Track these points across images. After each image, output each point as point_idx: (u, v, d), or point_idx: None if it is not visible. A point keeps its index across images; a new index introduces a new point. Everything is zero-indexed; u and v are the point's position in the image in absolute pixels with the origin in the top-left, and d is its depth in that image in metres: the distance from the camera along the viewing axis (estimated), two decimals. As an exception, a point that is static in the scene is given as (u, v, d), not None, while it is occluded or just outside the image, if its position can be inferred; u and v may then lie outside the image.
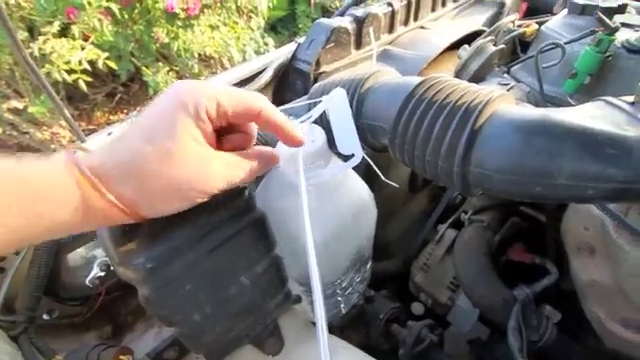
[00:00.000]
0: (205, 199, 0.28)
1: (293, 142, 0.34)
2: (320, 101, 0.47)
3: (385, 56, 0.72)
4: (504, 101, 0.34)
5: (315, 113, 0.48)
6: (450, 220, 0.74)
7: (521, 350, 0.53)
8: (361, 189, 0.54)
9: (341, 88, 0.45)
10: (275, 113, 0.30)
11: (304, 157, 0.46)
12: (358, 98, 0.43)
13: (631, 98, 0.32)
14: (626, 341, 0.52)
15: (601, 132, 0.28)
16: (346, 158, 0.45)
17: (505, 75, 0.61)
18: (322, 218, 0.49)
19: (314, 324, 0.65)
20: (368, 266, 0.67)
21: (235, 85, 0.66)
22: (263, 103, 0.30)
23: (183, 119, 0.26)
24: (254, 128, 0.33)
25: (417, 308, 0.74)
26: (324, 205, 0.48)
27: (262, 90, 0.66)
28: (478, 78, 0.61)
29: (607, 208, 0.42)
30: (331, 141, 0.46)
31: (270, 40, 2.43)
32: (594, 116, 0.31)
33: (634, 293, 0.48)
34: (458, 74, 0.62)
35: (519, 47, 0.74)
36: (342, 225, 0.50)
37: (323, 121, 0.47)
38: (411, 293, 0.76)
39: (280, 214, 0.48)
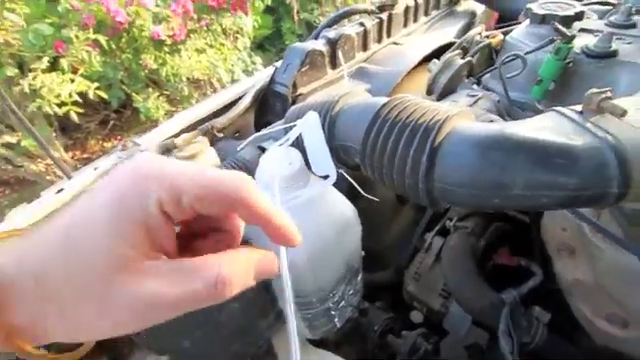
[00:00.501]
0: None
1: (286, 241, 0.23)
2: (295, 125, 0.49)
3: (360, 74, 0.74)
4: (462, 118, 0.35)
5: (291, 137, 0.50)
6: (436, 228, 0.75)
7: (512, 352, 0.54)
8: (343, 205, 0.56)
9: (314, 112, 0.47)
10: (259, 202, 0.21)
11: (282, 180, 0.48)
12: (330, 120, 0.45)
13: (580, 107, 0.34)
14: (613, 337, 0.53)
15: (550, 143, 0.30)
16: (323, 179, 0.47)
17: (474, 86, 0.64)
18: (305, 237, 0.51)
19: (308, 340, 0.66)
20: (359, 278, 0.68)
21: (216, 112, 0.68)
22: (243, 188, 0.21)
23: (115, 226, 0.19)
24: (236, 223, 0.25)
25: (416, 316, 0.75)
26: (306, 224, 0.49)
27: (243, 115, 0.68)
28: (448, 90, 0.63)
29: (579, 212, 0.44)
30: (308, 162, 0.48)
31: (258, 59, 2.47)
32: (545, 127, 0.32)
33: (613, 289, 0.49)
34: (429, 87, 0.64)
35: (495, 56, 0.77)
36: (326, 242, 0.52)
37: (300, 143, 0.49)
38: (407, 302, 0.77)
39: (265, 237, 0.50)
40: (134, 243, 0.19)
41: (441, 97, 0.64)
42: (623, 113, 0.31)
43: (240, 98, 0.69)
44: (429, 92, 0.65)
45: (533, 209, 0.33)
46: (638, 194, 0.30)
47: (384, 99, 0.40)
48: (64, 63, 1.72)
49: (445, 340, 0.72)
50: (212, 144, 0.62)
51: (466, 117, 0.36)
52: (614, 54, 0.54)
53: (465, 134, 0.33)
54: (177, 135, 0.63)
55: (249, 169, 0.52)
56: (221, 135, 0.64)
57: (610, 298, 0.51)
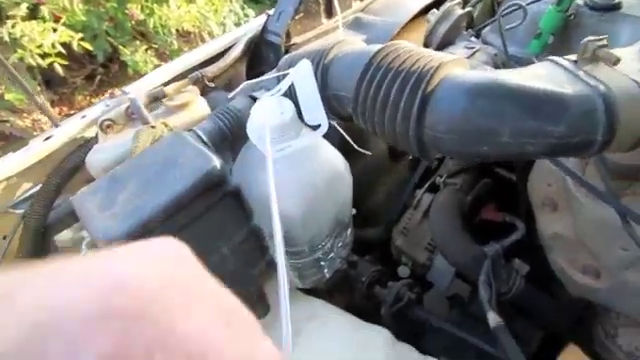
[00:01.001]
0: None
1: None
2: (287, 74, 0.48)
3: (357, 24, 0.72)
4: (456, 65, 0.35)
5: (283, 86, 0.49)
6: (426, 185, 0.76)
7: (490, 301, 0.57)
8: (334, 158, 0.56)
9: (306, 60, 0.46)
10: None
11: (274, 130, 0.48)
12: (322, 69, 0.44)
13: (575, 56, 0.34)
14: (586, 287, 0.56)
15: (540, 91, 0.30)
16: (315, 129, 0.47)
17: (473, 38, 0.62)
18: (297, 187, 0.51)
19: (298, 289, 0.69)
20: (349, 232, 0.70)
21: (207, 62, 0.66)
22: None
23: None
24: None
25: (403, 271, 0.78)
26: (297, 174, 0.50)
27: (234, 65, 0.66)
28: (447, 42, 0.61)
29: (562, 165, 0.44)
30: (300, 112, 0.47)
31: (250, 11, 2.36)
32: (537, 75, 0.32)
33: (590, 243, 0.51)
34: (427, 39, 0.62)
35: (497, 8, 0.74)
36: (316, 192, 0.52)
37: (292, 93, 0.48)
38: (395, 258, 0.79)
39: (258, 186, 0.50)
40: None
41: (439, 49, 0.62)
42: (616, 61, 0.31)
43: (231, 47, 0.67)
44: (426, 44, 0.63)
45: (520, 158, 0.34)
46: (621, 143, 0.30)
47: (378, 46, 0.39)
48: (44, 10, 1.63)
49: (429, 292, 0.76)
50: (203, 94, 0.61)
51: (460, 65, 0.35)
52: (618, 6, 0.53)
53: (457, 81, 0.33)
54: (167, 84, 0.61)
55: (240, 119, 0.51)
56: (212, 85, 0.62)
57: (587, 251, 0.53)
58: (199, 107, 0.58)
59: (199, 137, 0.48)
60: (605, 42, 0.32)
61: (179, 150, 0.40)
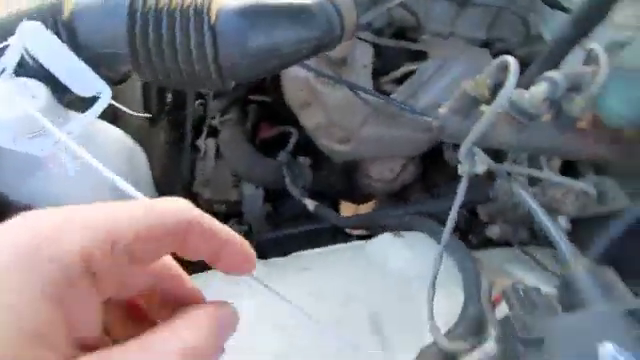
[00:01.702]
0: None
1: (247, 265, 0.18)
2: (7, 45, 0.38)
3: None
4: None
5: (8, 62, 0.38)
6: (205, 132, 0.79)
7: (301, 194, 0.72)
8: (118, 133, 0.50)
9: (31, 21, 0.37)
10: (212, 219, 0.17)
11: (28, 122, 0.38)
12: (66, 28, 0.37)
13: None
14: (343, 153, 0.78)
15: (295, 5, 0.39)
16: (86, 101, 0.40)
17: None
18: (95, 177, 0.44)
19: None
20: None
21: None
22: (192, 207, 0.16)
23: (17, 316, 0.12)
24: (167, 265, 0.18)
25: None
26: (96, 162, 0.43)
27: None
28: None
29: (310, 67, 0.58)
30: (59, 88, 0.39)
31: None
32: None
33: (339, 120, 0.71)
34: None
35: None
36: (120, 175, 0.47)
37: (29, 69, 0.38)
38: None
39: (32, 194, 0.40)
40: (49, 342, 0.12)
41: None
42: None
43: None
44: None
45: (294, 63, 0.42)
46: (347, 37, 0.44)
47: (129, -10, 0.36)
48: None
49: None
50: None
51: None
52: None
53: (232, 8, 0.37)
54: None
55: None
56: None
57: (338, 127, 0.74)
58: None
59: None
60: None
61: None
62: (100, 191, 0.46)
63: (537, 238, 0.58)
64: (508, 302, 0.28)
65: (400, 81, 0.68)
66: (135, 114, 0.55)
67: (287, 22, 0.38)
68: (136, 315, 0.18)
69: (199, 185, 0.79)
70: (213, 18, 0.36)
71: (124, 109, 0.53)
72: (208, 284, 0.27)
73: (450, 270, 0.48)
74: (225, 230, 0.17)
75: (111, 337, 0.16)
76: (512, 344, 0.26)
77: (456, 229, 0.59)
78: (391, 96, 0.66)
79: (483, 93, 0.36)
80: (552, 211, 0.46)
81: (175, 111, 0.86)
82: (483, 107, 0.37)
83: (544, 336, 0.25)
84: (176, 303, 0.17)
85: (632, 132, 0.40)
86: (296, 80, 0.68)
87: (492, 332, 0.34)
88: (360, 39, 0.65)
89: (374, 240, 0.58)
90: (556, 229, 0.31)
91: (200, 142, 0.79)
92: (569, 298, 0.27)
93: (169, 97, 0.85)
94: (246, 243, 0.17)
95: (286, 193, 0.74)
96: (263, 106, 0.84)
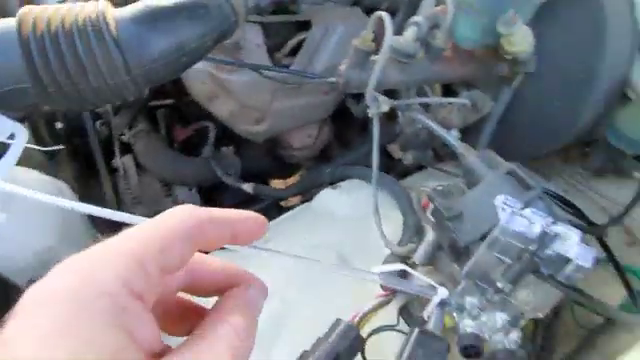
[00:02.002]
0: None
1: (259, 230, 0.20)
2: None
3: None
4: (109, 5, 0.39)
5: None
6: (117, 150, 0.76)
7: (229, 177, 0.74)
8: (34, 173, 0.47)
9: None
10: (214, 209, 0.19)
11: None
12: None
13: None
14: (258, 132, 0.81)
15: (188, 3, 0.41)
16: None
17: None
18: (42, 218, 0.42)
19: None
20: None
21: None
22: (192, 207, 0.18)
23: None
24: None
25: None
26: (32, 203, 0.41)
27: None
28: None
29: (215, 59, 0.59)
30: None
31: None
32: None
33: (252, 102, 0.74)
34: None
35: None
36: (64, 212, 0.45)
37: None
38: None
39: None
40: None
41: None
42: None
43: None
44: None
45: (202, 57, 0.45)
46: (240, 22, 0.47)
47: (9, 20, 0.35)
48: None
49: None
50: None
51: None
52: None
53: (129, 17, 0.38)
54: None
55: None
56: None
57: (251, 109, 0.77)
58: None
59: None
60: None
61: None
62: (39, 235, 0.44)
63: (439, 155, 0.71)
64: (432, 199, 0.37)
65: (294, 52, 0.73)
66: (34, 147, 0.52)
67: (185, 20, 0.40)
68: (183, 306, 0.20)
69: (129, 205, 0.77)
70: (113, 29, 0.37)
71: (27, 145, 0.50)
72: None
73: (386, 200, 0.57)
74: (233, 212, 0.19)
75: (169, 334, 0.19)
76: (443, 224, 0.35)
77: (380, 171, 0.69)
78: (290, 68, 0.71)
79: (370, 45, 0.43)
80: (446, 128, 0.57)
81: (73, 139, 0.80)
82: (373, 57, 0.45)
83: (461, 210, 0.34)
84: (211, 284, 0.20)
85: (481, 51, 0.51)
86: (197, 75, 0.69)
87: (428, 229, 0.44)
88: (248, 21, 0.68)
89: (316, 198, 0.65)
90: (450, 135, 0.40)
91: (116, 162, 0.76)
92: (470, 179, 0.37)
93: (58, 126, 0.79)
94: (253, 214, 0.20)
95: (221, 185, 0.76)
96: (171, 109, 0.83)
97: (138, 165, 0.76)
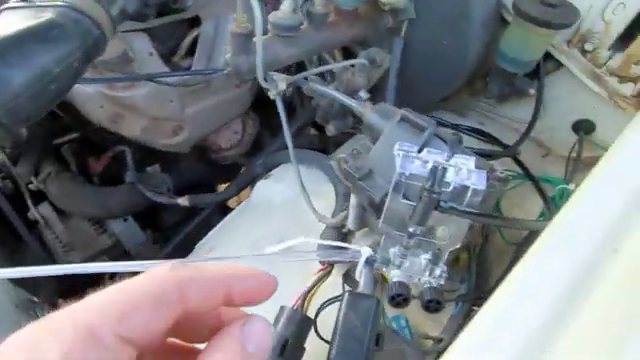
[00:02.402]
0: None
1: (266, 288, 0.18)
2: None
3: None
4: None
5: None
6: (30, 202, 0.70)
7: (169, 196, 0.71)
8: None
9: None
10: (203, 267, 0.17)
11: None
12: None
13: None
14: (178, 143, 0.77)
15: (34, 26, 0.37)
16: None
17: None
18: None
19: None
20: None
21: None
22: (178, 267, 0.16)
23: None
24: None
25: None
26: None
27: None
28: None
29: (89, 79, 0.55)
30: None
31: None
32: (12, 22, 0.38)
33: (154, 113, 0.70)
34: None
35: None
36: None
37: None
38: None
39: None
40: None
41: None
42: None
43: None
44: None
45: (77, 78, 0.41)
46: (110, 33, 0.44)
47: None
48: None
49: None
50: None
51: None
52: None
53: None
54: None
55: None
56: None
57: (163, 121, 0.73)
58: None
59: None
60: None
61: None
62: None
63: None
64: (344, 162, 0.37)
65: (192, 52, 0.70)
66: None
67: (39, 44, 0.37)
68: (173, 350, 0.19)
69: (64, 255, 0.72)
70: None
71: None
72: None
73: (320, 176, 0.57)
74: (230, 268, 0.17)
75: None
76: (357, 185, 0.35)
77: (319, 150, 0.69)
78: (192, 69, 0.68)
79: (247, 27, 0.42)
80: (354, 91, 0.57)
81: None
82: (255, 39, 0.43)
83: (370, 167, 0.35)
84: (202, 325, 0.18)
85: (364, 8, 0.51)
86: (92, 99, 0.64)
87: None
88: (131, 31, 0.64)
89: (252, 193, 0.64)
90: (346, 98, 0.40)
91: (33, 214, 0.70)
92: (373, 135, 0.38)
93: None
94: (256, 271, 0.18)
95: (158, 206, 0.73)
96: (79, 142, 0.77)
97: (58, 211, 0.70)
